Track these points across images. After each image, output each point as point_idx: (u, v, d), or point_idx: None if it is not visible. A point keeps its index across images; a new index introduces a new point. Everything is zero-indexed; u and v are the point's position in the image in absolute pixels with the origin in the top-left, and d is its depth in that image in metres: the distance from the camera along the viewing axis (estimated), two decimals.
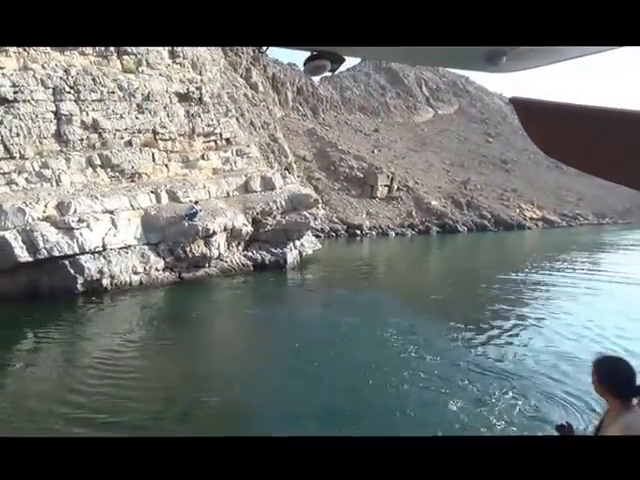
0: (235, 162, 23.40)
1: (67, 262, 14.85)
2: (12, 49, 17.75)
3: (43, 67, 18.74)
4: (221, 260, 18.93)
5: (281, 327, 12.41)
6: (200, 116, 22.91)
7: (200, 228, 17.77)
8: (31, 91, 17.70)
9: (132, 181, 19.27)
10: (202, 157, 22.42)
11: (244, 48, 38.13)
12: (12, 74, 17.53)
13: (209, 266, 18.49)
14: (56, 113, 18.33)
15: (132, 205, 17.51)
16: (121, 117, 19.90)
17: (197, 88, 23.56)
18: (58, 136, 18.27)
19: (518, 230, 43.56)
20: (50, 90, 18.29)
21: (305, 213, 21.56)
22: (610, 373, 2.37)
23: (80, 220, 15.31)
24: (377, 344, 10.61)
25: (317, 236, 27.60)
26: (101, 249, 15.77)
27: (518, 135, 54.89)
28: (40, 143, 17.63)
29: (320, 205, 24.33)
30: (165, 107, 21.74)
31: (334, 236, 35.53)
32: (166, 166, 20.96)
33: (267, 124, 37.74)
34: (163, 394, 7.96)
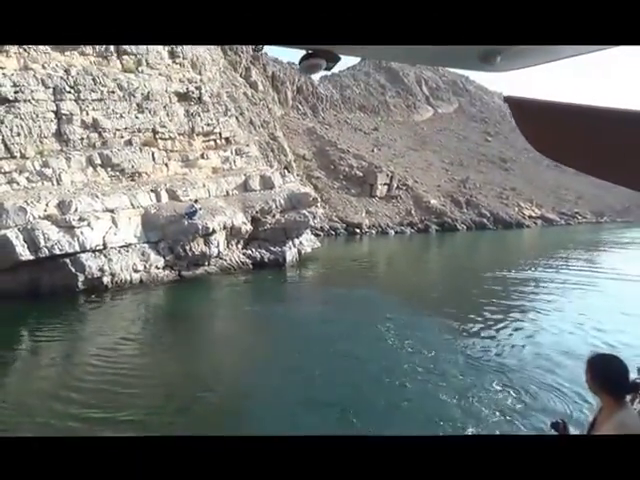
0: (235, 161, 23.50)
1: (68, 260, 14.96)
2: (13, 49, 17.87)
3: (43, 67, 18.84)
4: (220, 258, 19.03)
5: (280, 324, 12.51)
6: (200, 115, 23.01)
7: (200, 227, 17.88)
8: (32, 91, 17.80)
9: (132, 180, 19.37)
10: (202, 156, 22.51)
11: (243, 47, 38.08)
12: (13, 74, 17.64)
13: (209, 264, 18.60)
14: (56, 113, 18.44)
15: (132, 204, 17.62)
16: (121, 116, 20.01)
17: (197, 87, 23.66)
18: (58, 135, 18.38)
19: (517, 228, 43.61)
20: (50, 90, 18.39)
21: (304, 212, 21.65)
22: (603, 371, 2.35)
23: (81, 219, 15.42)
24: (375, 340, 10.72)
25: (317, 235, 27.63)
26: (102, 247, 15.89)
27: (517, 134, 53.21)
28: (41, 142, 17.74)
29: (319, 204, 24.46)
30: (165, 106, 21.85)
31: (333, 235, 35.57)
32: (166, 165, 21.06)
33: (267, 123, 37.76)
34: (164, 390, 8.08)
